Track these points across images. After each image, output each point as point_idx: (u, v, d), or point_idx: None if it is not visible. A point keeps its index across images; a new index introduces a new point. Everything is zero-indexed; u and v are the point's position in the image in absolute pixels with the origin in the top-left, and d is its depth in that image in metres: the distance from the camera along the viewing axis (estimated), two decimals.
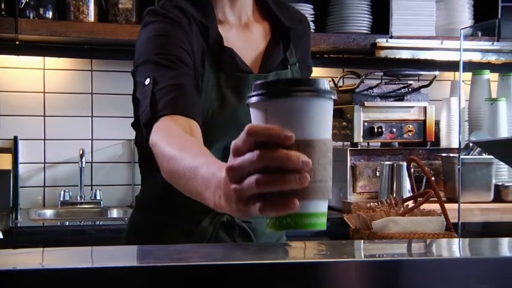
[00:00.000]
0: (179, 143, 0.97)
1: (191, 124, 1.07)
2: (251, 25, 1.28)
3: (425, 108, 2.51)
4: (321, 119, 0.76)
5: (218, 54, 1.21)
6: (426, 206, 1.29)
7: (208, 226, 1.20)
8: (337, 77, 2.76)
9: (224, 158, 0.82)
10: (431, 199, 1.27)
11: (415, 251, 0.93)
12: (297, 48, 1.31)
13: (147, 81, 1.13)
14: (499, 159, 1.13)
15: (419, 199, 1.25)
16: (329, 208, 2.37)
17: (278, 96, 0.76)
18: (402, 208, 1.24)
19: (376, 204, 1.29)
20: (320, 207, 0.77)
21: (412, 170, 1.41)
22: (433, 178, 2.46)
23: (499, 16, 2.68)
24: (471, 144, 2.28)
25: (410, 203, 1.26)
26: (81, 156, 2.52)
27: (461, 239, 1.19)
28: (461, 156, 2.48)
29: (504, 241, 0.99)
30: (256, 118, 0.78)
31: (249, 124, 0.74)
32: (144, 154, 1.27)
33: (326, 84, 0.77)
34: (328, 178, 0.77)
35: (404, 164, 2.31)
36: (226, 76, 1.21)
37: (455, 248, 0.95)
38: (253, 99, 0.78)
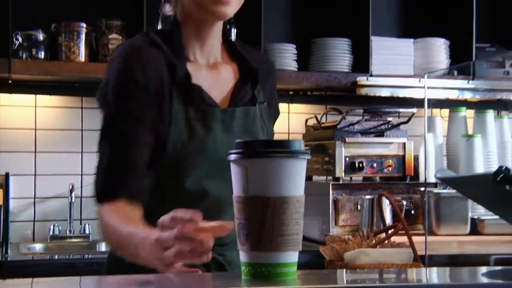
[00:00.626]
0: (119, 218, 1.22)
1: (132, 204, 1.25)
2: (219, 66, 1.39)
3: (404, 144, 2.61)
4: (295, 178, 0.86)
5: (186, 90, 1.31)
6: (397, 239, 1.37)
7: None
8: (320, 114, 2.86)
9: (201, 191, 1.17)
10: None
11: (379, 279, 1.01)
12: (265, 88, 1.41)
13: (103, 152, 1.28)
14: (463, 195, 1.21)
15: (390, 231, 1.33)
16: (312, 240, 2.45)
17: (257, 156, 0.86)
18: (373, 241, 1.31)
19: (349, 236, 1.37)
20: (291, 258, 0.86)
21: (386, 204, 1.49)
22: (412, 212, 2.56)
23: (474, 55, 2.80)
24: None
25: (382, 236, 1.34)
26: (71, 191, 2.59)
27: (426, 268, 1.27)
28: (439, 191, 2.57)
29: (464, 270, 1.07)
30: (236, 173, 0.88)
31: (176, 211, 1.00)
32: None
33: (301, 145, 0.87)
34: (300, 232, 0.87)
35: (384, 198, 2.40)
36: (194, 110, 1.31)
37: (418, 276, 1.03)
38: (234, 157, 0.88)
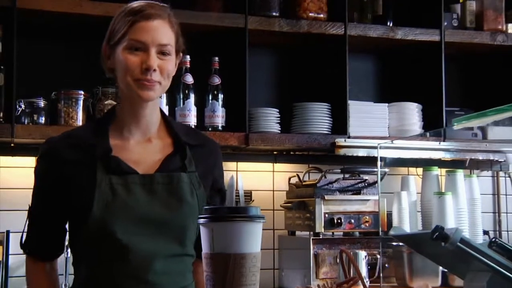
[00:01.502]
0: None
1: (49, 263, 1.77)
2: (154, 140, 1.67)
3: (377, 201, 2.78)
4: (253, 238, 1.06)
5: (107, 162, 1.60)
6: None
7: None
8: (302, 172, 3.05)
9: (128, 246, 1.53)
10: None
11: None
12: (199, 163, 1.66)
13: (29, 215, 1.73)
14: (413, 250, 1.36)
15: (351, 282, 1.49)
16: None
17: (221, 220, 1.06)
18: None
19: (315, 287, 1.53)
20: None
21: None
22: (386, 265, 2.71)
23: (444, 118, 3.01)
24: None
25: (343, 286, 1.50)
26: (67, 247, 2.74)
27: None
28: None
29: None
30: (204, 234, 1.08)
31: None
32: (71, 248, 1.72)
33: (257, 211, 1.06)
34: (256, 282, 1.06)
35: (360, 252, 2.57)
36: (116, 177, 1.58)
37: None
38: (202, 220, 1.08)
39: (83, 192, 1.59)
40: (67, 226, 1.74)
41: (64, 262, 2.73)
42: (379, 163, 1.96)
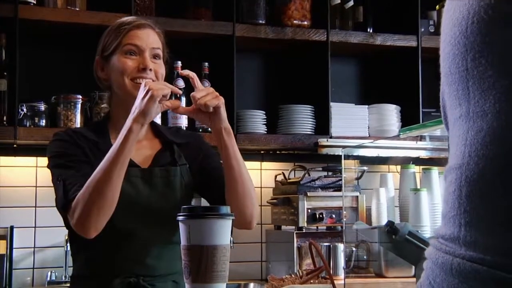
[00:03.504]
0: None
1: None
2: (143, 140, 1.83)
3: (357, 197, 2.97)
4: (223, 232, 1.25)
5: None
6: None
7: (117, 285, 1.70)
8: (288, 170, 3.23)
9: (129, 233, 1.67)
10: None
11: None
12: (188, 155, 1.83)
13: (58, 179, 1.71)
14: (372, 242, 1.53)
15: (318, 271, 1.68)
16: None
17: (197, 217, 1.25)
18: (306, 279, 1.66)
19: (288, 276, 1.72)
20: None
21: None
22: (364, 257, 2.90)
23: (421, 119, 3.19)
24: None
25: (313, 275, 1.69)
26: (67, 241, 2.91)
27: None
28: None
29: None
30: (182, 229, 1.27)
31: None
32: (72, 233, 1.77)
33: (227, 209, 1.26)
34: (226, 269, 1.25)
35: (339, 244, 2.76)
36: None
37: None
38: (181, 218, 1.27)
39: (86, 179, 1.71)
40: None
41: (64, 255, 2.91)
42: (343, 163, 2.14)
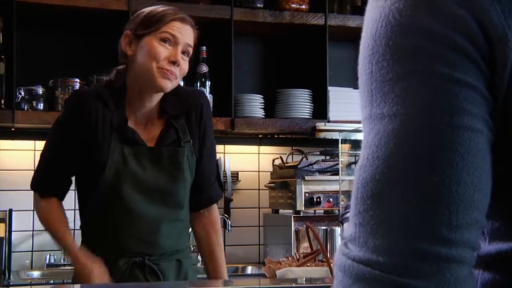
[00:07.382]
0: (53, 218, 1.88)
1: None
2: (152, 119, 1.84)
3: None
4: None
5: (122, 131, 1.79)
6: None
7: (123, 265, 1.72)
8: (286, 154, 3.24)
9: (136, 211, 1.76)
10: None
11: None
12: (190, 129, 1.85)
13: (43, 160, 1.87)
14: None
15: (315, 254, 1.70)
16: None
17: None
18: (302, 262, 1.68)
19: (285, 258, 1.74)
20: None
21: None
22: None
23: None
24: None
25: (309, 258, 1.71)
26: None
27: None
28: None
29: None
30: None
31: None
32: (80, 210, 1.91)
33: None
34: None
35: (337, 228, 2.77)
36: (128, 147, 1.77)
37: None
38: None
39: (100, 151, 1.76)
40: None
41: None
42: (340, 147, 2.15)
